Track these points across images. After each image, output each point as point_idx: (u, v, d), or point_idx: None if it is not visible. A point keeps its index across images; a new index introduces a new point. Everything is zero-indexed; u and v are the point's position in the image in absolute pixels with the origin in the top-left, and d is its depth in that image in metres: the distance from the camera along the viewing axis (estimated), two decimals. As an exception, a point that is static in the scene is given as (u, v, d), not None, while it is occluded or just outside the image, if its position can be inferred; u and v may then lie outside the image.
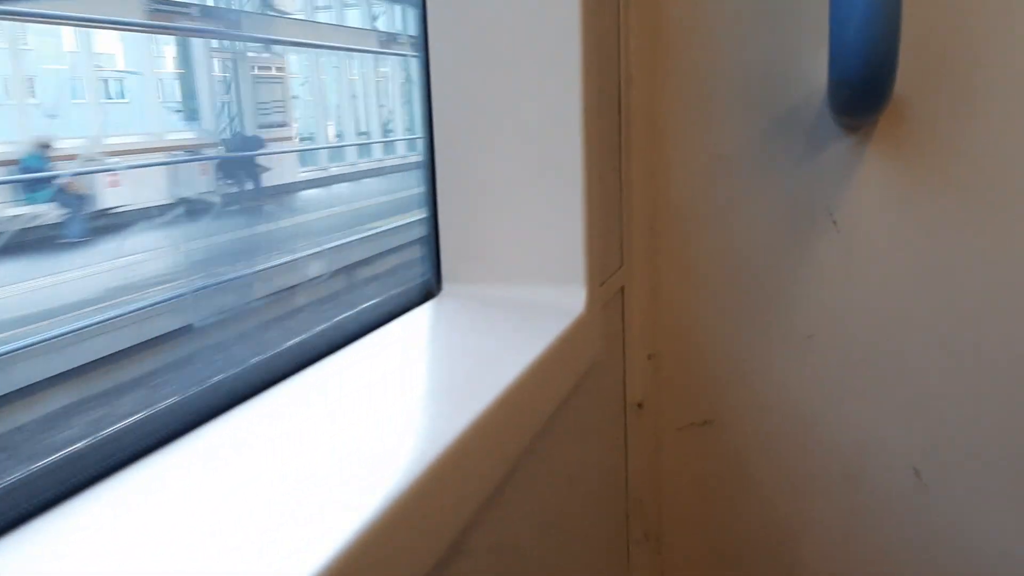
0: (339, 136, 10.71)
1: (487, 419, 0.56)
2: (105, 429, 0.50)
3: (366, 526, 0.42)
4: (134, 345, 4.11)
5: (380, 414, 0.58)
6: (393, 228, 6.67)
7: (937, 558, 1.04)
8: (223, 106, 8.07)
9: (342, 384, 0.65)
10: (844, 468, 1.06)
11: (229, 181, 7.67)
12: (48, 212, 5.35)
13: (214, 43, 7.87)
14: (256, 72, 8.70)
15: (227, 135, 8.11)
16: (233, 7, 8.26)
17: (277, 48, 9.15)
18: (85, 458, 0.48)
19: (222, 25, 7.99)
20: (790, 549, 1.11)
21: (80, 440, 0.48)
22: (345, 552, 0.40)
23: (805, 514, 1.10)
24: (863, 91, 0.89)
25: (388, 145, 11.56)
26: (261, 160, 8.09)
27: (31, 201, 5.39)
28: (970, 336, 0.99)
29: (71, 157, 6.07)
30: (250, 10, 8.49)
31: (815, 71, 1.00)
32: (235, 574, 0.38)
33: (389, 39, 10.58)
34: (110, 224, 5.70)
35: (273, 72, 9.10)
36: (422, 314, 0.83)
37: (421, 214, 0.90)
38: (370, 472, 0.48)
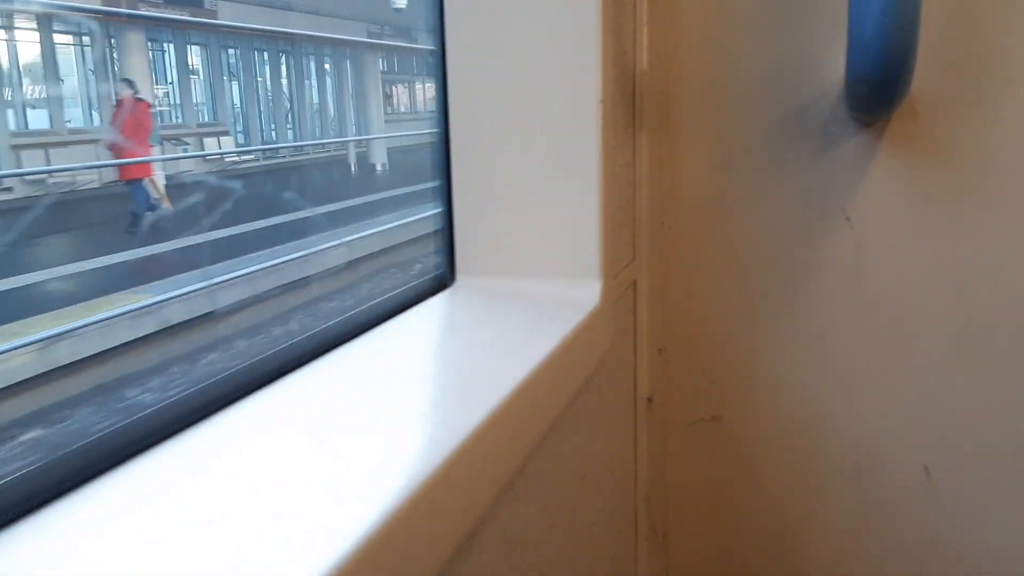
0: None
1: (502, 411, 0.56)
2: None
3: (382, 518, 0.42)
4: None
5: (393, 406, 0.58)
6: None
7: (946, 556, 1.04)
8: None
9: (354, 375, 0.65)
10: (853, 465, 1.06)
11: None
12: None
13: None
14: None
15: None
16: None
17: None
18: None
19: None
20: (798, 546, 1.11)
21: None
22: (361, 543, 0.40)
23: (814, 511, 1.10)
24: (881, 88, 0.89)
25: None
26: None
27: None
28: (982, 334, 0.99)
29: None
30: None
31: (829, 66, 1.00)
32: (245, 568, 0.38)
33: None
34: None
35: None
36: (435, 305, 0.83)
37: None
38: (384, 465, 0.48)
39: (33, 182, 9.91)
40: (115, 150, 9.13)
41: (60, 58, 12.13)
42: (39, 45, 11.60)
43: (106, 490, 0.46)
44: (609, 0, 0.82)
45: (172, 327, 5.68)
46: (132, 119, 8.80)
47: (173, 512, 0.43)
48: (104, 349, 5.21)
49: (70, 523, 0.43)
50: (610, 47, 0.84)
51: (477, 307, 0.82)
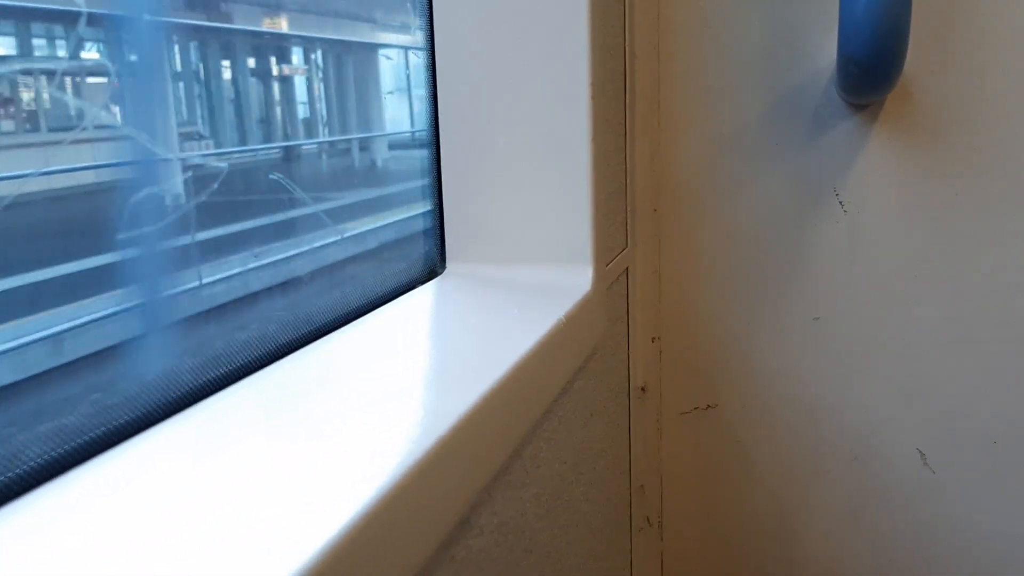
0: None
1: (495, 395, 0.55)
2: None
3: (374, 500, 0.41)
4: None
5: (383, 390, 0.57)
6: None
7: (942, 540, 1.03)
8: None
9: (343, 361, 0.64)
10: (848, 451, 1.06)
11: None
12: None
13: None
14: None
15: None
16: None
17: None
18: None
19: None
20: (794, 533, 1.11)
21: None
22: (353, 525, 0.39)
23: (809, 498, 1.09)
24: (873, 70, 0.88)
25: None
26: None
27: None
28: (977, 318, 0.98)
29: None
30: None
31: (822, 49, 0.99)
32: (234, 553, 0.38)
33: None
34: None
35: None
36: (426, 293, 0.82)
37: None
38: (376, 449, 0.47)
39: None
40: None
41: None
42: None
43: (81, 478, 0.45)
44: None
45: None
46: None
47: (171, 488, 0.42)
48: None
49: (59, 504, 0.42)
50: (599, 30, 0.83)
51: (467, 294, 0.81)
